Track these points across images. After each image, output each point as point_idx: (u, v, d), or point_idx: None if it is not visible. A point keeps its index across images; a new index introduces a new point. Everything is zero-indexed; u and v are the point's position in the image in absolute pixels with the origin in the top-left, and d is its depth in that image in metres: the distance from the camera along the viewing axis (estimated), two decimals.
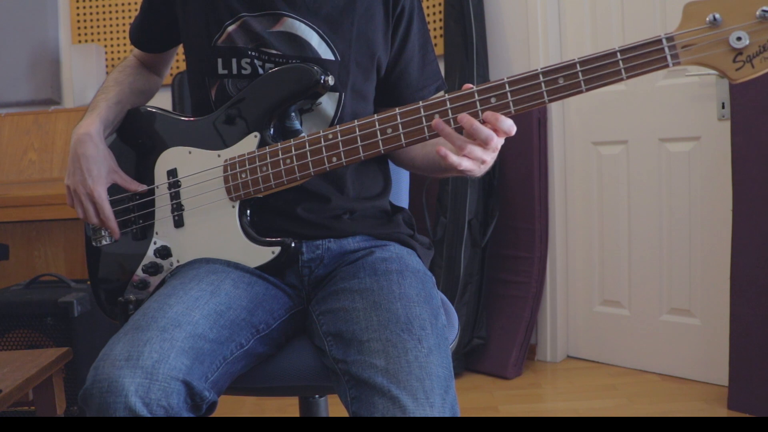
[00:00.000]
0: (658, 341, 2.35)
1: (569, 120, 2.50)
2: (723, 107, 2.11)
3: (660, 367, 2.35)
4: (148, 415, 0.79)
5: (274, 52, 1.06)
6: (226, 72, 1.08)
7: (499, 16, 2.56)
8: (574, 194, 2.52)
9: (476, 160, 0.93)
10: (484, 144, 0.91)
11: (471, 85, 0.93)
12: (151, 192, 1.12)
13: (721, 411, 2.01)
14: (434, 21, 2.68)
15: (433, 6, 2.68)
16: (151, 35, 1.22)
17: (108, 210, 1.09)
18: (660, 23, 2.23)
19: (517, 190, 2.47)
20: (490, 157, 0.93)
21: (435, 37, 2.66)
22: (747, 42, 0.83)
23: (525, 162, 2.44)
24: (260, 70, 1.06)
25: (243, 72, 1.07)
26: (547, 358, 2.56)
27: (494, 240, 2.51)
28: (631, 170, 2.37)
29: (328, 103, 1.08)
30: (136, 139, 1.15)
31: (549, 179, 2.49)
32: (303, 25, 1.06)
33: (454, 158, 0.92)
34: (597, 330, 2.52)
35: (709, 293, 2.21)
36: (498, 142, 0.91)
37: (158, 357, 0.82)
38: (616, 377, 2.36)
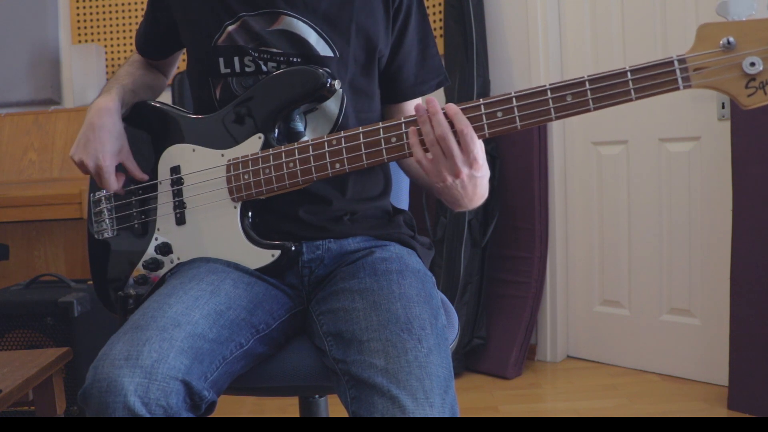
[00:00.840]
0: (658, 341, 2.35)
1: (569, 120, 2.50)
2: (723, 107, 2.11)
3: (660, 367, 2.35)
4: (147, 415, 0.79)
5: (274, 50, 1.06)
6: (228, 71, 1.08)
7: (499, 16, 2.56)
8: (574, 194, 2.52)
9: (435, 162, 0.92)
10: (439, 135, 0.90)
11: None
12: (154, 188, 1.12)
13: (721, 411, 2.01)
14: (434, 21, 2.68)
15: (433, 6, 2.68)
16: (154, 44, 1.23)
17: (113, 183, 1.08)
18: (660, 23, 2.23)
19: (517, 190, 2.47)
20: (447, 167, 0.92)
21: (435, 36, 2.66)
22: (760, 68, 0.81)
23: (525, 162, 2.43)
24: (264, 67, 1.06)
25: (247, 69, 1.07)
26: (547, 358, 2.56)
27: (494, 240, 2.51)
28: (631, 170, 2.37)
29: (332, 102, 1.08)
30: (141, 133, 1.15)
31: (549, 179, 2.49)
32: (301, 23, 1.06)
33: (412, 139, 0.93)
34: (597, 330, 2.52)
35: (709, 293, 2.21)
36: (452, 145, 0.90)
37: (157, 357, 0.82)
38: (616, 377, 2.36)
